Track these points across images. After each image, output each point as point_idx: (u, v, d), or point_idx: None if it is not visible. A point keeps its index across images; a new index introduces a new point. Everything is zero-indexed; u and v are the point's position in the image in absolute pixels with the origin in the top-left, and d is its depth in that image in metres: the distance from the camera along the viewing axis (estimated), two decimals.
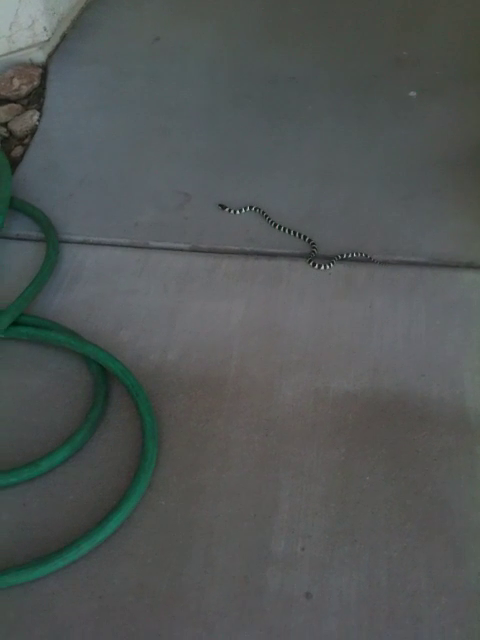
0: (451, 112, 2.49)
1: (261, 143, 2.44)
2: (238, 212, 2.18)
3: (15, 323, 1.84)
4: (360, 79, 2.69)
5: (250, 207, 2.19)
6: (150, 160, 2.40)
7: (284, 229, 2.08)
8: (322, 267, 1.97)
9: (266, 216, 2.14)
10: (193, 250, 2.08)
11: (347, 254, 1.99)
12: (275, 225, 2.10)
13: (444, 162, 2.29)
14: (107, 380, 1.75)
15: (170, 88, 2.71)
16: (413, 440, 1.61)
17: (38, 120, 2.61)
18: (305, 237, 2.05)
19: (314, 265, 1.98)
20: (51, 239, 2.08)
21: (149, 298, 1.95)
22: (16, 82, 2.71)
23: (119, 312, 1.92)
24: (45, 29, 2.79)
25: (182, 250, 2.09)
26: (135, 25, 3.08)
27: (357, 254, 1.99)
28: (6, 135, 2.55)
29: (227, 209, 2.17)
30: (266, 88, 2.69)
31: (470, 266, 1.95)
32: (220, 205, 2.19)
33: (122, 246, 2.11)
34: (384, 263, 1.98)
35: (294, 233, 2.07)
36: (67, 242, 2.12)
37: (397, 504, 1.51)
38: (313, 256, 2.00)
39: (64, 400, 1.73)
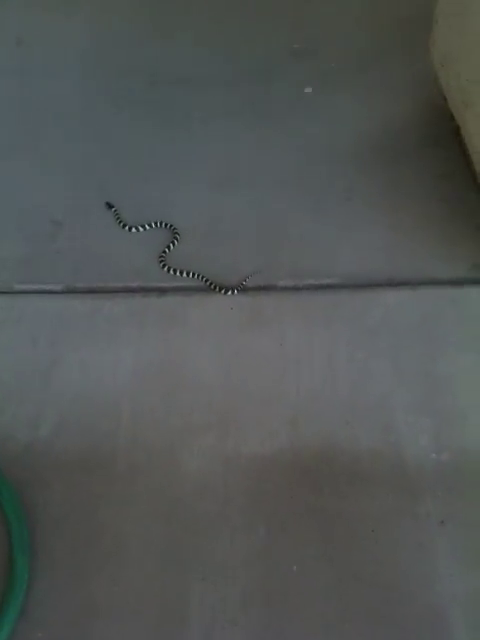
0: (352, 104, 2.24)
1: (148, 152, 2.10)
2: (137, 229, 1.85)
3: None
4: (253, 75, 2.40)
5: (156, 223, 1.87)
6: (14, 178, 2.02)
7: (173, 270, 1.74)
8: (226, 293, 1.68)
9: (174, 235, 1.83)
10: (68, 291, 1.73)
11: (248, 277, 1.71)
12: (163, 265, 1.76)
13: (352, 161, 2.03)
14: None
15: (38, 91, 2.34)
16: (345, 508, 1.34)
17: None
18: (200, 276, 1.72)
19: (217, 290, 1.68)
20: None
21: (14, 355, 1.59)
22: None
23: None
24: None
25: (55, 292, 1.73)
26: None
27: (254, 275, 1.71)
28: None
29: (115, 210, 1.90)
30: (149, 88, 2.37)
31: (390, 284, 1.69)
32: (107, 203, 1.92)
33: None
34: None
35: (184, 273, 1.74)
36: None
37: (332, 595, 1.23)
38: (211, 285, 1.70)
39: None
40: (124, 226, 1.86)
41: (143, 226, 1.86)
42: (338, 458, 1.40)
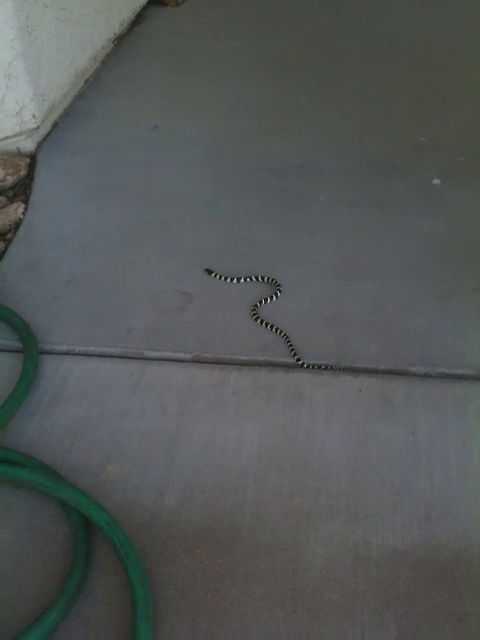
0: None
1: (272, 237, 2.17)
2: (237, 281, 2.00)
3: None
4: (375, 166, 2.47)
5: (253, 277, 2.00)
6: (146, 256, 2.13)
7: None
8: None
9: (277, 289, 1.96)
10: (196, 360, 1.77)
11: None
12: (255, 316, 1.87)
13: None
14: (89, 534, 1.39)
15: (169, 177, 2.49)
16: None
17: (23, 213, 2.36)
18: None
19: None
20: (30, 350, 1.77)
21: (144, 422, 1.62)
22: (1, 172, 2.48)
23: (107, 441, 1.58)
24: (34, 117, 2.60)
25: (183, 361, 1.77)
26: (131, 113, 2.90)
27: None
28: None
29: (214, 274, 2.01)
30: (273, 177, 2.47)
31: None
32: (207, 270, 2.02)
33: (113, 357, 1.80)
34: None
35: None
36: (49, 353, 1.81)
37: None
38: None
39: (36, 561, 1.37)
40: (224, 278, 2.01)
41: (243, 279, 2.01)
42: (476, 560, 1.32)
